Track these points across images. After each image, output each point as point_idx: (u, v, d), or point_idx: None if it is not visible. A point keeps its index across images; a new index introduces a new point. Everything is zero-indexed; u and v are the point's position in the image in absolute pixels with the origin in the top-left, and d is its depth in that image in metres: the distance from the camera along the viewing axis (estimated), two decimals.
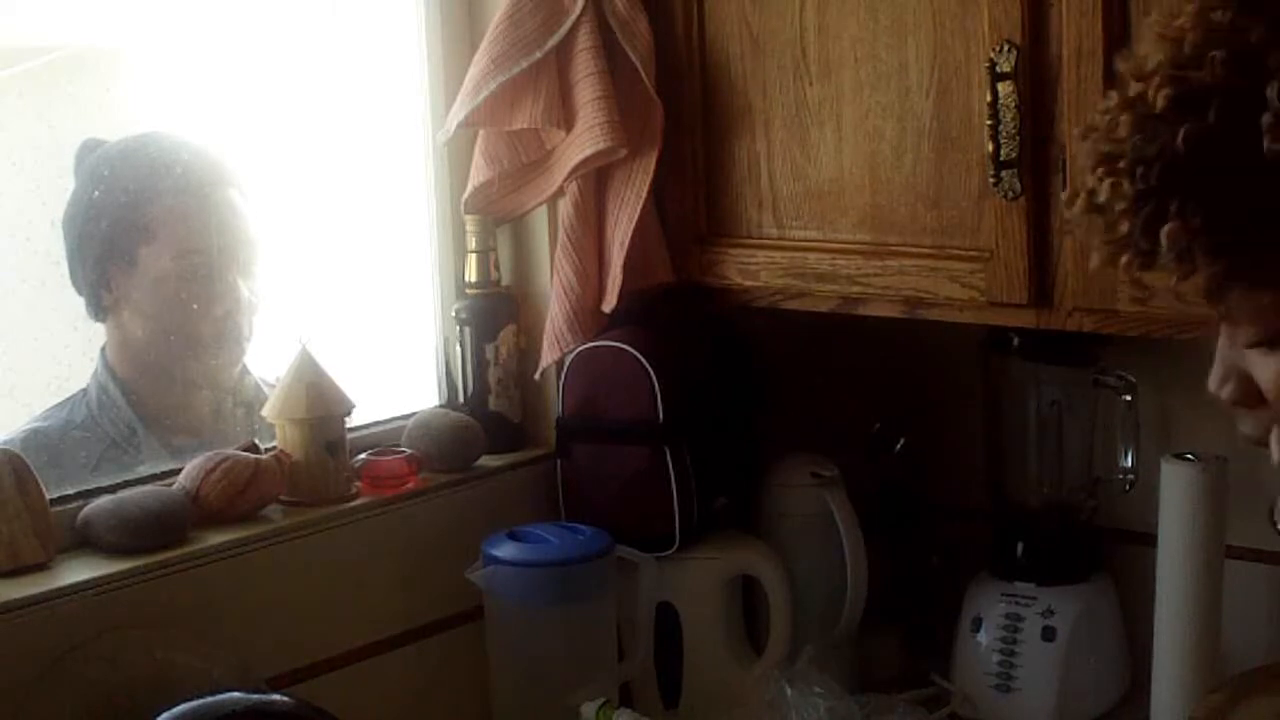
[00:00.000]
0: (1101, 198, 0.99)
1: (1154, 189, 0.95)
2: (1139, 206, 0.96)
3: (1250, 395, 1.03)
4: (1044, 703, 1.95)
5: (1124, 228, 0.97)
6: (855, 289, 1.84)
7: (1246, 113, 0.92)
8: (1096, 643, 1.97)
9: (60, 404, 1.90)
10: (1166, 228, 0.94)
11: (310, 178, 2.05)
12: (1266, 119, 0.91)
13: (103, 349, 1.92)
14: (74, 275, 1.89)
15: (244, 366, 1.98)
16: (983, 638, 1.99)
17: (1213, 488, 1.78)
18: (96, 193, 1.88)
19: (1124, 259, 0.99)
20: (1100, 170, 0.99)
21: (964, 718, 1.99)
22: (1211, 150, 0.93)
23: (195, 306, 1.90)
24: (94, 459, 1.83)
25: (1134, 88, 0.98)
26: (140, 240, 1.88)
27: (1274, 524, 1.03)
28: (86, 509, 1.67)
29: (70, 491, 1.70)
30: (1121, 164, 0.97)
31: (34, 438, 1.83)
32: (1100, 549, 2.03)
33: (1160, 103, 0.95)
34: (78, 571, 1.61)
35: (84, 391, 1.91)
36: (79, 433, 1.87)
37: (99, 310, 1.90)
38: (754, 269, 1.92)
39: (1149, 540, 1.86)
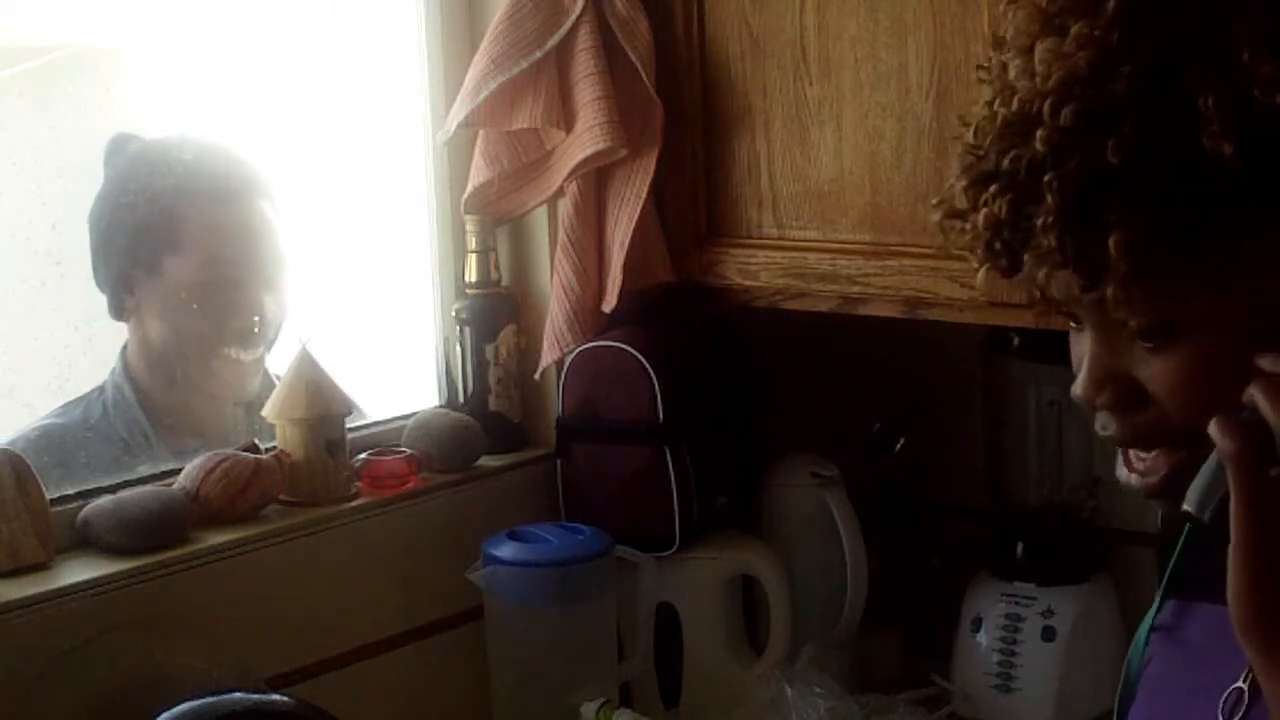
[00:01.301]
0: (1003, 214, 1.00)
1: (1081, 201, 0.96)
2: (1066, 219, 0.96)
3: (1131, 399, 1.03)
4: (1044, 703, 1.95)
5: (1047, 241, 0.98)
6: (855, 289, 1.84)
7: (1169, 120, 0.94)
8: (1096, 643, 1.97)
9: (75, 401, 1.89)
10: (1115, 236, 0.95)
11: (310, 177, 2.05)
12: (1212, 129, 0.93)
13: (123, 349, 1.91)
14: (96, 274, 1.88)
15: (264, 372, 1.97)
16: (983, 638, 1.99)
17: None
18: (123, 191, 1.86)
19: (1042, 273, 1.00)
20: (995, 187, 1.00)
21: (964, 718, 1.99)
22: (1144, 158, 0.95)
23: (217, 317, 1.89)
24: (106, 461, 1.82)
25: (1019, 105, 0.99)
26: (166, 248, 1.87)
27: (1183, 511, 1.03)
28: (86, 509, 1.67)
29: (71, 491, 1.70)
30: (1035, 178, 0.97)
31: (47, 435, 1.83)
32: (1100, 549, 2.03)
33: (1068, 118, 0.96)
34: (78, 571, 1.61)
35: (100, 390, 1.90)
36: (92, 433, 1.86)
37: (120, 311, 1.90)
38: (754, 269, 1.92)
39: (1149, 540, 1.86)
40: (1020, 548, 2.01)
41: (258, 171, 1.93)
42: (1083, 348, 1.07)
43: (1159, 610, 1.23)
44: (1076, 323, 1.07)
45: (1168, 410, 1.02)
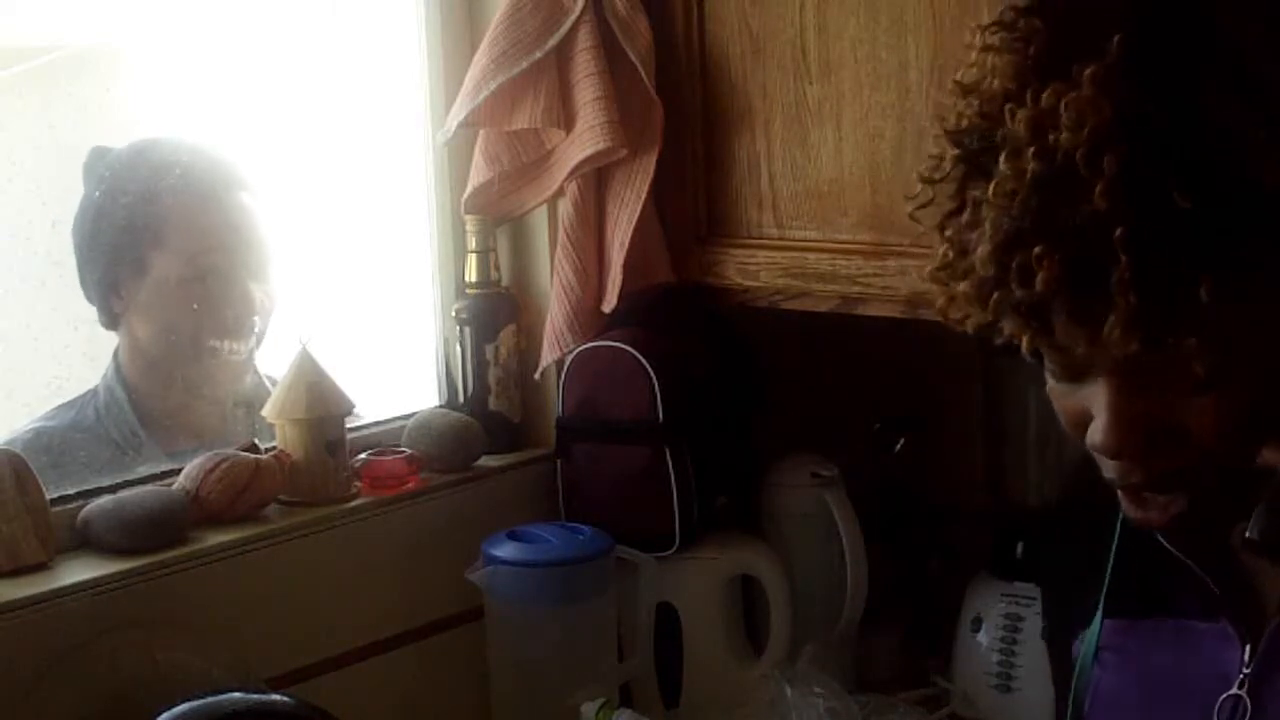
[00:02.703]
0: (1057, 273, 0.93)
1: (1158, 252, 0.91)
2: (1146, 273, 0.91)
3: (1166, 443, 1.00)
4: (1044, 703, 1.94)
5: (1126, 300, 0.92)
6: (855, 289, 1.84)
7: (1228, 156, 0.91)
8: None
9: (68, 404, 1.90)
10: (1208, 284, 0.90)
11: (310, 178, 2.05)
12: (1272, 163, 0.90)
13: (116, 352, 1.91)
14: (84, 283, 1.89)
15: (254, 369, 1.97)
16: (983, 638, 1.99)
17: None
18: (104, 197, 1.87)
19: (1117, 333, 0.93)
20: (1040, 248, 0.94)
21: (964, 718, 1.99)
22: (1215, 199, 0.90)
23: (206, 310, 1.90)
24: (98, 462, 1.82)
25: (1048, 159, 0.93)
26: (149, 244, 1.88)
27: (1247, 539, 1.01)
28: (86, 509, 1.67)
29: (70, 491, 1.70)
30: (1099, 234, 0.92)
31: (39, 437, 1.83)
32: None
33: (1116, 167, 0.91)
34: (78, 571, 1.61)
35: (93, 392, 1.91)
36: (84, 435, 1.87)
37: (110, 317, 1.90)
38: (754, 269, 1.92)
39: None
40: (1020, 548, 2.01)
41: (235, 165, 1.94)
42: (1081, 398, 1.03)
43: (1100, 632, 1.22)
44: (1076, 377, 1.02)
45: (1211, 447, 0.98)
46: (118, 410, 1.89)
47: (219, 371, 1.94)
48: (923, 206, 1.05)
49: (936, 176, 1.03)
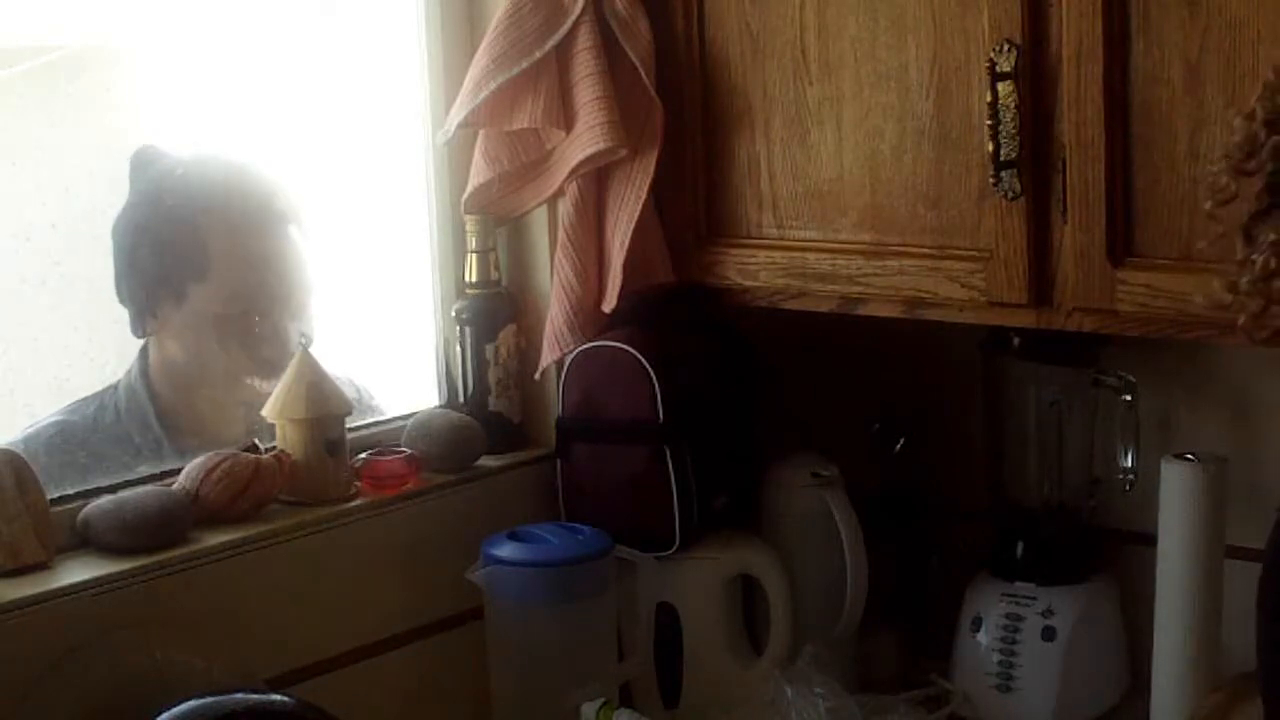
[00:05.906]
0: None
1: None
2: None
3: None
4: (1044, 703, 1.95)
5: None
6: (855, 289, 1.84)
7: None
8: (1096, 643, 1.97)
9: (87, 399, 1.88)
10: None
11: (310, 178, 2.05)
12: None
13: (143, 352, 1.89)
14: (119, 290, 1.87)
15: None
16: (983, 638, 1.99)
17: (1212, 488, 1.78)
18: (153, 214, 1.84)
19: None
20: None
21: (964, 718, 1.99)
22: None
23: (241, 349, 1.89)
24: (119, 464, 1.80)
25: None
26: (193, 276, 1.86)
27: None
28: (86, 509, 1.67)
29: (70, 491, 1.70)
30: None
31: (61, 431, 1.82)
32: (1100, 549, 2.03)
33: None
34: (78, 571, 1.61)
35: (113, 389, 1.89)
36: (103, 434, 1.85)
37: (141, 331, 1.88)
38: (754, 269, 1.92)
39: (1149, 540, 1.86)
40: (1020, 548, 2.01)
41: (287, 196, 1.92)
42: None
43: None
44: None
45: None
46: (140, 414, 1.87)
47: (248, 397, 1.91)
48: (1225, 203, 0.96)
49: (1250, 168, 0.93)
